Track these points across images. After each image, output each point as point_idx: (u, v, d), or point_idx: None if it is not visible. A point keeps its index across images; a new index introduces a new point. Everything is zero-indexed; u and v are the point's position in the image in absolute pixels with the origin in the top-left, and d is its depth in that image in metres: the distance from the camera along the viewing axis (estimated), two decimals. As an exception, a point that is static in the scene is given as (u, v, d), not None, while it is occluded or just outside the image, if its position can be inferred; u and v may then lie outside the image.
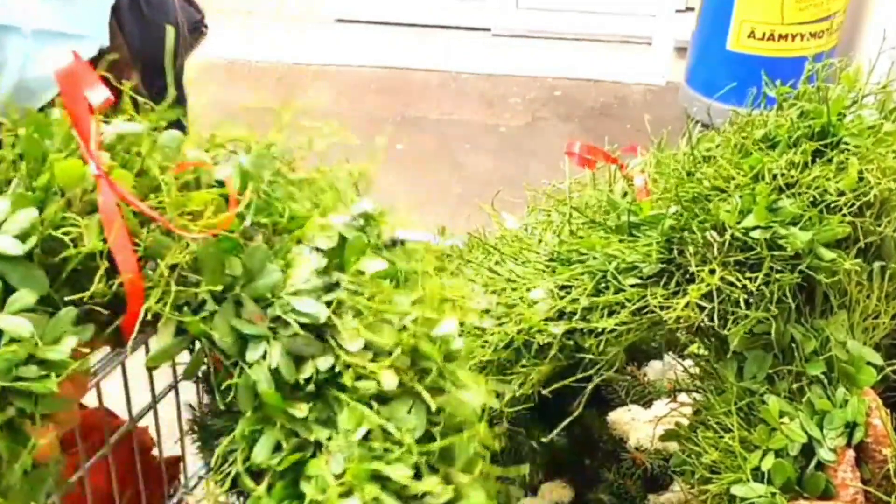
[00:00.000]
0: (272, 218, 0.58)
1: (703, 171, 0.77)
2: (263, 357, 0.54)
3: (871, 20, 3.94)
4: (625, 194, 0.87)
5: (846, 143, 0.77)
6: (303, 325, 0.55)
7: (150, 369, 1.08)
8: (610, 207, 0.82)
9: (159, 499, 1.02)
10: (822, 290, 0.76)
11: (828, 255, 0.72)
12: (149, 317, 0.54)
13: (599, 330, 0.74)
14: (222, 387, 0.55)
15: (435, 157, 4.23)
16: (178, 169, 0.57)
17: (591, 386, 0.76)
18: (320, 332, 0.55)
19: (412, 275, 0.59)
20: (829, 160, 0.75)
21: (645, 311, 0.74)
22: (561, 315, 0.77)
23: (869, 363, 0.74)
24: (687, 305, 0.71)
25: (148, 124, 0.58)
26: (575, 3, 5.00)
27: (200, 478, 1.08)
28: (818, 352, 0.74)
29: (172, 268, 0.54)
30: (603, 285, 0.76)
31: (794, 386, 0.74)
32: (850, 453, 0.72)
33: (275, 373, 0.54)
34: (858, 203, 0.73)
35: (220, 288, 0.54)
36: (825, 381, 0.73)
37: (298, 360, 0.55)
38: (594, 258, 0.77)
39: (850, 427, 0.72)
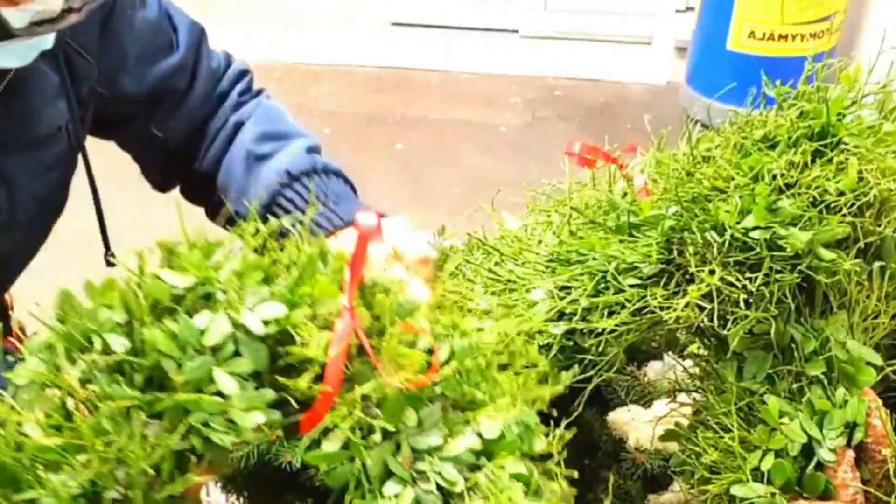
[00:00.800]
0: (456, 394, 0.69)
1: (702, 172, 0.77)
2: (397, 496, 0.64)
3: (871, 20, 3.94)
4: (624, 194, 0.88)
5: (846, 144, 0.77)
6: (439, 486, 0.65)
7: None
8: (610, 208, 0.82)
9: None
10: (821, 291, 0.76)
11: (827, 255, 0.72)
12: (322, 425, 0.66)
13: (599, 330, 0.74)
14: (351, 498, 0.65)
15: (435, 157, 4.23)
16: (406, 327, 0.68)
17: (591, 386, 0.76)
18: (448, 499, 0.66)
19: (548, 492, 0.69)
20: (829, 160, 0.76)
21: (645, 311, 0.74)
22: (561, 316, 0.77)
23: (869, 363, 0.75)
24: (687, 306, 0.71)
25: (399, 283, 0.70)
26: (574, 4, 5.01)
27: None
28: (818, 352, 0.74)
29: (364, 397, 0.65)
30: (603, 286, 0.76)
31: (794, 386, 0.74)
32: (850, 453, 0.72)
33: None
34: (858, 203, 0.73)
35: (392, 428, 0.65)
36: (825, 382, 0.74)
37: None
38: (594, 259, 0.77)
39: (850, 427, 0.72)
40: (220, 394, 0.62)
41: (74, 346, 0.64)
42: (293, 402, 0.64)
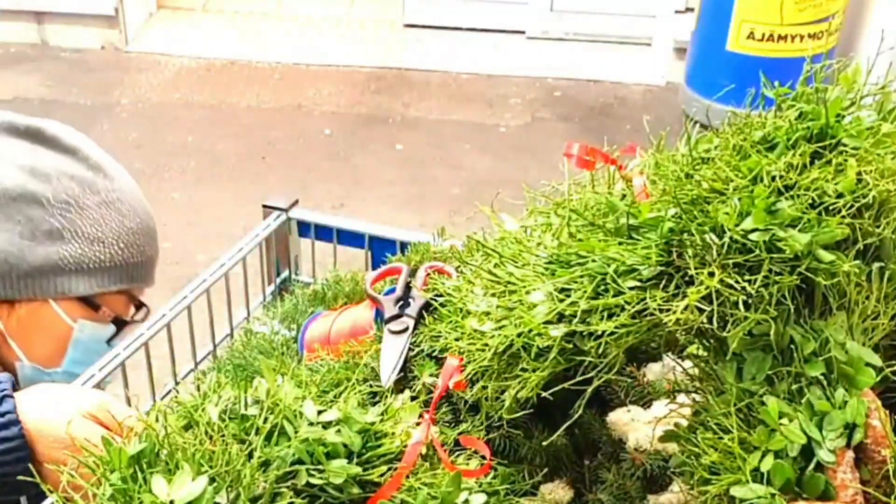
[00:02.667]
0: None
1: (701, 174, 0.78)
2: None
3: (870, 21, 3.94)
4: (623, 196, 0.88)
5: (844, 145, 0.77)
6: None
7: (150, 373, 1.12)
8: (609, 210, 0.82)
9: None
10: (820, 292, 0.76)
11: (827, 256, 0.72)
12: None
13: (599, 333, 0.74)
14: None
15: (435, 157, 4.23)
16: None
17: (591, 389, 0.76)
18: None
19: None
20: (828, 162, 0.76)
21: (644, 313, 0.74)
22: (560, 318, 0.77)
23: (868, 364, 0.75)
24: (686, 308, 0.71)
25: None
26: (579, 5, 5.01)
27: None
28: (817, 353, 0.74)
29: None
30: (602, 288, 0.76)
31: (794, 387, 0.74)
32: (850, 454, 0.72)
33: None
34: (857, 205, 0.73)
35: None
36: (824, 383, 0.74)
37: None
38: (593, 261, 0.77)
39: (850, 428, 0.72)
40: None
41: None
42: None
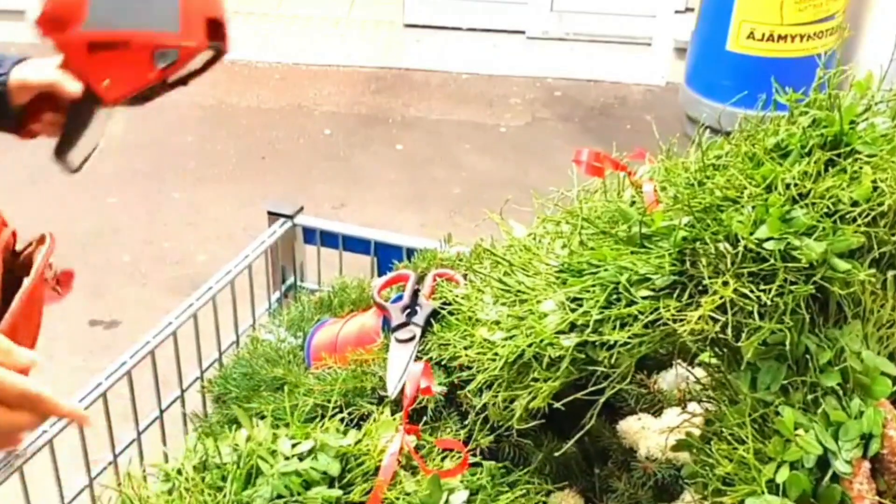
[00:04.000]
0: None
1: (714, 182, 0.77)
2: None
3: (871, 21, 3.93)
4: (632, 203, 0.87)
5: (859, 152, 0.76)
6: None
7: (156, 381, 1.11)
8: (620, 218, 0.81)
9: None
10: (835, 301, 0.75)
11: (842, 265, 0.71)
12: None
13: (612, 342, 0.74)
14: None
15: (435, 157, 4.21)
16: None
17: (602, 399, 0.75)
18: None
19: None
20: (843, 170, 0.75)
21: (658, 323, 0.73)
22: (572, 327, 0.76)
23: (884, 374, 0.74)
24: (700, 318, 0.71)
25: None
26: (579, 5, 5.00)
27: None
28: (833, 362, 0.73)
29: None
30: (615, 297, 0.75)
31: (809, 397, 0.73)
32: (866, 465, 0.71)
33: None
34: (873, 213, 0.72)
35: None
36: (840, 392, 0.73)
37: None
38: (605, 270, 0.76)
39: (866, 438, 0.71)
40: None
41: None
42: None
